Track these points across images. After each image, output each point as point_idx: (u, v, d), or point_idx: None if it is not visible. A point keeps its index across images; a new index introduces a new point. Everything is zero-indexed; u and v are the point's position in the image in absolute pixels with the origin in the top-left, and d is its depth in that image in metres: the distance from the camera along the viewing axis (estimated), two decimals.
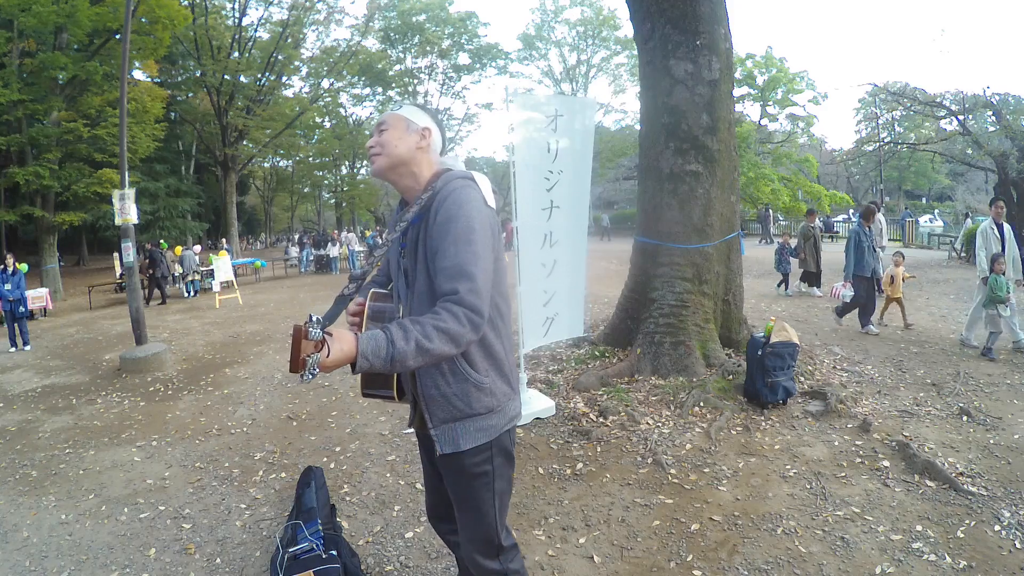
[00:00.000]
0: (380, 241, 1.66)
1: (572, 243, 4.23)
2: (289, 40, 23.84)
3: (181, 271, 14.55)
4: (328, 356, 1.21)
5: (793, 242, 10.03)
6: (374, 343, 1.24)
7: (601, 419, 3.99)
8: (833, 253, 16.81)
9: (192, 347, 7.66)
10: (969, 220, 16.07)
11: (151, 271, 12.58)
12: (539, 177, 3.94)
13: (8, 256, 8.69)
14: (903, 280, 6.89)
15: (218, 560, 2.69)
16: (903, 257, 7.21)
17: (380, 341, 1.25)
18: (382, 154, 1.54)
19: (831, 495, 2.98)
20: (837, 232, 23.27)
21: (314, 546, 2.38)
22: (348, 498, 3.21)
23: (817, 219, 9.83)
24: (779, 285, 9.86)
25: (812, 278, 9.51)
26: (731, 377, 4.46)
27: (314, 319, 1.20)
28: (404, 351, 1.25)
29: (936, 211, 29.55)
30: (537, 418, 4.09)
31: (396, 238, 1.59)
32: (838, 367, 5.12)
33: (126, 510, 3.22)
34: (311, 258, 19.72)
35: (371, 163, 1.58)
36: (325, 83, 27.97)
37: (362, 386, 1.62)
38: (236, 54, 22.25)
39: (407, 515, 2.99)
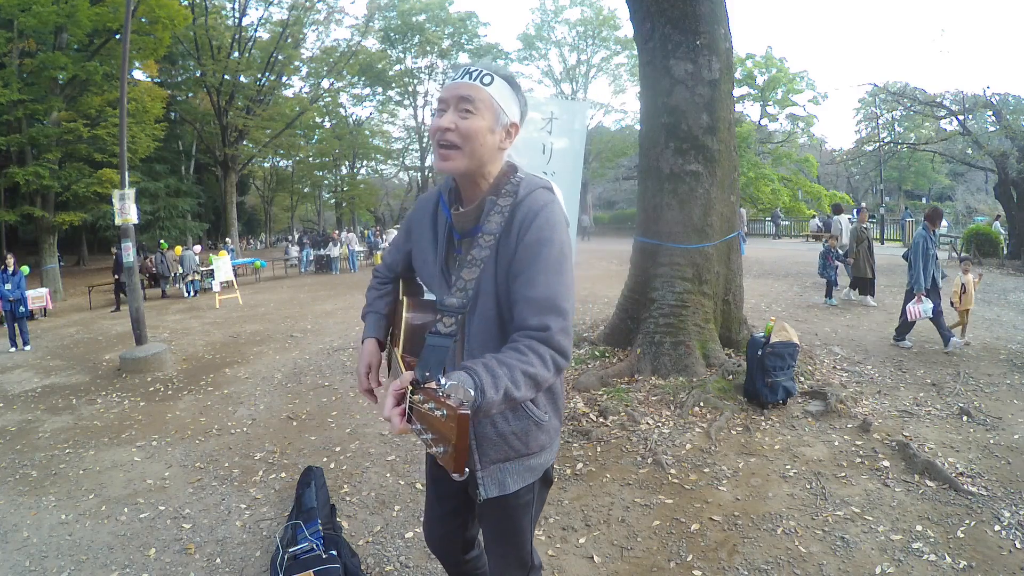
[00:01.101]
0: (381, 241, 1.52)
1: None
2: (289, 40, 23.85)
3: (181, 271, 14.56)
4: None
5: (842, 246, 8.90)
6: (462, 392, 1.01)
7: (601, 419, 3.99)
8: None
9: (192, 347, 7.66)
10: (998, 223, 15.99)
11: (116, 276, 11.83)
12: None
13: (8, 256, 8.70)
14: (974, 287, 6.01)
15: (218, 560, 2.69)
16: (971, 263, 6.27)
17: (468, 389, 1.02)
18: (464, 152, 1.21)
19: (831, 495, 2.98)
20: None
21: (314, 546, 2.38)
22: (348, 498, 3.21)
23: (868, 218, 8.83)
24: (827, 296, 8.52)
25: (866, 285, 8.37)
26: (731, 377, 4.46)
27: (446, 384, 0.97)
28: (492, 401, 1.03)
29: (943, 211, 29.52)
30: None
31: (430, 232, 1.37)
32: (838, 367, 5.12)
33: (126, 510, 3.22)
34: (311, 258, 19.72)
35: (441, 155, 1.22)
36: (325, 83, 28.00)
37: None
38: (236, 54, 22.24)
39: (407, 515, 2.99)
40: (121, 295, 12.04)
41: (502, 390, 1.05)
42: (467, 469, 0.93)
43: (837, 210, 12.41)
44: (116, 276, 11.82)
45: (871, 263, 8.21)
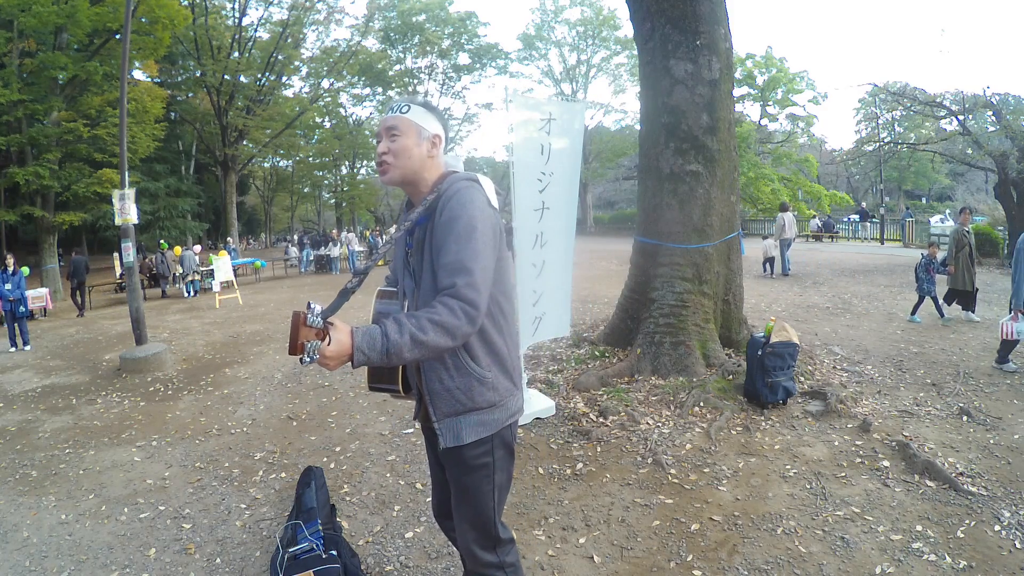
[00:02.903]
0: (381, 241, 1.67)
1: (561, 244, 4.25)
2: (289, 40, 23.87)
3: (181, 271, 14.56)
4: (328, 345, 1.26)
5: (940, 254, 7.43)
6: (368, 336, 1.28)
7: (601, 419, 3.99)
8: (832, 254, 16.86)
9: (192, 347, 7.66)
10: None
11: (74, 280, 11.82)
12: (532, 178, 3.97)
13: (8, 256, 8.70)
14: None
15: (218, 560, 2.69)
16: None
17: (374, 334, 1.29)
18: (395, 165, 1.53)
19: (831, 495, 2.98)
20: (837, 232, 23.26)
21: (314, 546, 2.38)
22: (348, 498, 3.21)
23: (971, 220, 7.47)
24: (913, 312, 7.16)
25: (967, 299, 7.06)
26: (731, 377, 4.46)
27: (314, 308, 1.25)
28: (399, 343, 1.28)
29: (948, 211, 29.31)
30: (537, 418, 4.09)
31: (401, 237, 1.61)
32: (838, 367, 5.12)
33: (126, 510, 3.22)
34: (311, 258, 19.73)
35: (381, 171, 1.56)
36: (325, 83, 28.01)
37: (369, 380, 1.64)
38: (236, 54, 22.26)
39: (407, 515, 2.99)
40: (82, 299, 11.92)
41: (407, 334, 1.29)
42: (305, 358, 1.23)
43: (783, 207, 12.74)
44: (73, 282, 11.75)
45: (972, 273, 7.03)
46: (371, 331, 1.29)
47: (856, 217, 24.26)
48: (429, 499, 2.90)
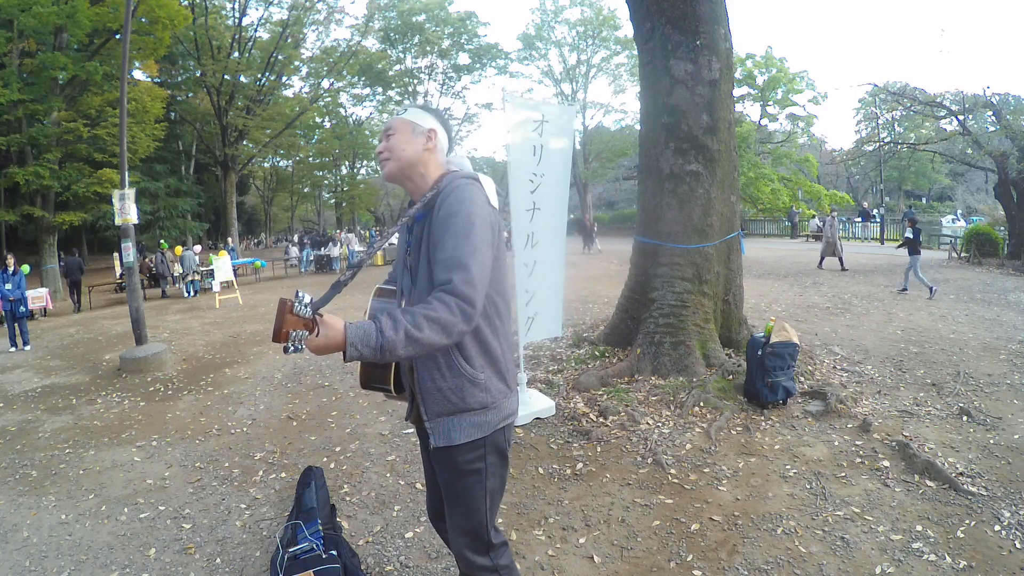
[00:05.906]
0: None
1: (552, 244, 4.27)
2: (289, 40, 23.86)
3: (181, 271, 14.56)
4: (316, 336, 1.25)
5: None
6: (363, 332, 1.26)
7: (601, 419, 3.99)
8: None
9: (192, 347, 7.66)
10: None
11: (68, 278, 12.69)
12: (525, 179, 4.00)
13: (8, 256, 8.70)
14: None
15: (218, 560, 2.69)
16: None
17: (369, 330, 1.27)
18: (391, 159, 1.58)
19: (831, 495, 2.98)
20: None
21: (314, 546, 2.38)
22: (348, 498, 3.21)
23: None
24: None
25: None
26: (731, 377, 4.46)
27: (302, 296, 1.23)
28: (393, 340, 1.26)
29: (958, 211, 28.99)
30: (537, 418, 4.09)
31: (402, 235, 1.64)
32: (838, 367, 5.12)
33: (126, 510, 3.22)
34: (311, 258, 19.74)
35: (382, 168, 1.63)
36: (325, 83, 28.02)
37: (361, 380, 1.65)
38: (236, 54, 22.27)
39: (407, 515, 2.99)
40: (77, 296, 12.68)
41: (401, 330, 1.27)
42: (290, 347, 1.22)
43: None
44: (67, 281, 12.63)
45: None
46: (365, 326, 1.28)
47: (860, 219, 24.29)
48: None
